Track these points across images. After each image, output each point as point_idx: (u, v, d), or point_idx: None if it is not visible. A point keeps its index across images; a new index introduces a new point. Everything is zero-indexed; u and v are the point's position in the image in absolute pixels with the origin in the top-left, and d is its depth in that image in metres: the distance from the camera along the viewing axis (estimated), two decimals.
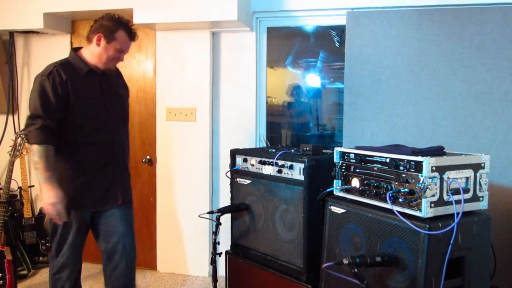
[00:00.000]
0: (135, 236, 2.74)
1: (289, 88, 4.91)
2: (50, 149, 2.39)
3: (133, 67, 3.92)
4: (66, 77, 2.44)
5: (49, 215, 2.42)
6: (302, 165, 2.56)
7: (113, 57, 2.56)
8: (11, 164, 3.68)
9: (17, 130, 4.03)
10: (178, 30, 3.63)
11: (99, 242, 2.69)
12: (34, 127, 2.37)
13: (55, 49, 4.07)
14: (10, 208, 3.74)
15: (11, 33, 4.05)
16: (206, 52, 3.63)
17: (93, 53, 2.54)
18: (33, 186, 4.09)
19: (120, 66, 3.93)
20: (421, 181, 1.90)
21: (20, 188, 3.90)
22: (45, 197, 2.36)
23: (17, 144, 3.71)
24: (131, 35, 2.61)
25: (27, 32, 4.05)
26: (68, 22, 4.02)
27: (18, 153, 3.69)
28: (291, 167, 2.62)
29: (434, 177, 1.90)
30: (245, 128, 3.70)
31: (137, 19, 3.45)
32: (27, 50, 4.16)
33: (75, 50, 2.60)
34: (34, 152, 2.37)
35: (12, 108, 4.13)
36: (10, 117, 4.12)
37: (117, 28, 2.54)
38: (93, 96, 2.55)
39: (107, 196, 2.61)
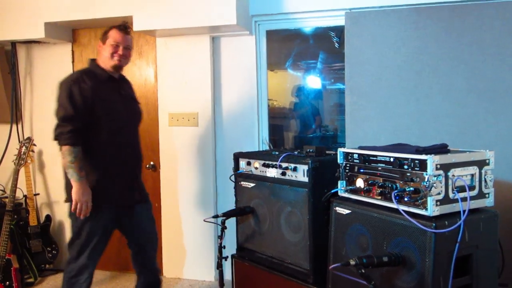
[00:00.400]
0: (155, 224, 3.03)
1: (292, 91, 4.93)
2: (80, 150, 2.59)
3: (134, 74, 3.94)
4: (91, 83, 2.65)
5: (79, 210, 2.59)
6: (306, 167, 2.55)
7: (112, 52, 2.73)
8: (16, 173, 3.69)
9: (21, 139, 4.04)
10: (178, 36, 3.64)
11: (128, 237, 2.93)
12: (65, 130, 2.55)
13: (56, 58, 4.09)
14: (15, 216, 3.75)
15: (13, 43, 4.08)
16: (206, 56, 3.64)
17: (101, 59, 2.77)
18: (38, 194, 4.11)
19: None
20: (426, 180, 1.90)
21: (25, 196, 3.91)
22: (79, 194, 2.57)
23: (22, 153, 3.73)
24: (122, 28, 2.77)
25: (29, 42, 4.07)
26: (69, 31, 4.04)
27: (22, 162, 3.71)
28: (295, 169, 2.62)
29: (439, 175, 1.90)
30: (247, 131, 3.71)
31: (137, 26, 3.47)
32: (29, 60, 4.18)
33: (93, 60, 2.82)
34: (68, 153, 2.55)
35: (15, 117, 4.14)
36: (14, 126, 4.13)
37: (109, 29, 2.78)
38: (114, 100, 2.76)
39: (130, 192, 2.82)
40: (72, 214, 2.68)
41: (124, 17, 3.56)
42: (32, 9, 3.77)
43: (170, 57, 3.71)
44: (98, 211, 2.66)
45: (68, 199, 2.68)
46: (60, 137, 2.57)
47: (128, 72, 3.90)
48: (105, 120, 2.68)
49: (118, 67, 2.79)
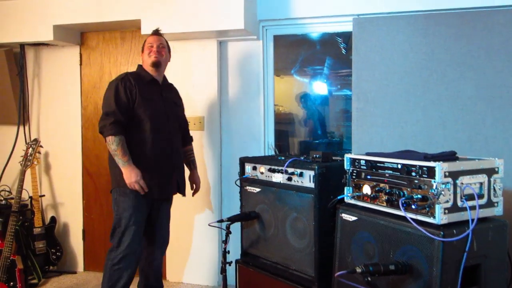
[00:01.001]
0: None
1: (297, 96, 4.91)
2: (124, 138, 2.81)
3: None
4: (135, 82, 2.90)
5: (136, 189, 2.80)
6: (312, 173, 2.54)
7: (148, 52, 3.00)
8: (23, 174, 3.70)
9: (27, 141, 4.05)
10: (186, 39, 3.64)
11: (146, 228, 3.02)
12: (108, 122, 2.79)
13: (64, 61, 4.11)
14: (21, 217, 3.75)
15: (22, 46, 4.09)
16: (213, 61, 3.63)
17: (144, 64, 3.05)
18: (43, 195, 4.11)
19: None
20: (434, 187, 1.88)
21: (30, 197, 3.91)
22: (128, 177, 2.78)
23: (28, 154, 3.74)
24: (154, 32, 3.11)
25: (38, 45, 4.08)
26: (77, 34, 4.06)
27: (29, 163, 3.72)
28: (301, 175, 2.61)
29: (448, 182, 1.88)
30: (253, 136, 3.70)
31: (144, 30, 3.48)
32: (37, 62, 4.19)
33: (141, 66, 3.09)
34: (111, 143, 2.78)
35: (23, 119, 4.15)
36: (21, 128, 4.14)
37: (146, 40, 3.09)
38: (155, 100, 2.97)
39: (169, 184, 3.01)
40: (114, 204, 2.91)
41: (132, 21, 3.59)
42: (41, 11, 3.79)
43: (177, 60, 3.70)
44: (138, 201, 2.85)
45: (113, 185, 2.92)
46: (103, 129, 2.81)
47: None
48: (145, 116, 2.88)
49: (156, 63, 2.98)
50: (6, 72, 4.04)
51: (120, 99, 2.84)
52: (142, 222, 2.92)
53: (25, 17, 3.85)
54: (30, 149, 3.75)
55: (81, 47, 4.09)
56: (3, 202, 4.03)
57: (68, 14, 3.72)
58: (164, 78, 3.15)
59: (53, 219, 4.02)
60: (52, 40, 3.82)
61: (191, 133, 3.68)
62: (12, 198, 3.84)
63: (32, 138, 4.04)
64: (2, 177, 4.17)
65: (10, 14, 3.89)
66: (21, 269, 3.54)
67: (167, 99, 3.08)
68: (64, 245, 4.07)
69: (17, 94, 4.12)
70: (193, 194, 3.32)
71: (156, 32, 3.11)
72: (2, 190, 4.12)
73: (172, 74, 3.72)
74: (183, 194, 3.16)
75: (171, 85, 3.25)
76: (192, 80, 3.68)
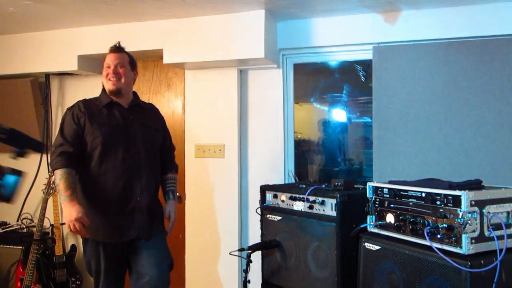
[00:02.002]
0: (167, 269, 2.79)
1: (319, 122, 4.92)
2: (70, 171, 2.56)
3: (163, 105, 4.00)
4: (84, 109, 2.67)
5: (73, 231, 2.48)
6: (334, 201, 2.52)
7: (105, 75, 2.74)
8: (45, 202, 3.74)
9: (50, 169, 4.11)
10: (207, 68, 3.70)
11: (130, 273, 2.77)
12: (55, 155, 2.59)
13: (88, 90, 4.17)
14: (42, 245, 3.78)
15: (47, 75, 4.20)
16: (233, 89, 3.67)
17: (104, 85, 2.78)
18: (64, 223, 4.13)
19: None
20: (460, 216, 1.85)
21: (52, 225, 3.94)
22: (67, 214, 2.48)
23: (51, 182, 3.78)
24: (112, 49, 2.79)
25: (62, 74, 4.19)
26: (101, 63, 4.10)
27: (51, 191, 3.76)
28: (322, 203, 2.59)
29: (474, 211, 1.85)
30: (273, 163, 3.69)
31: (166, 59, 3.55)
32: (62, 91, 4.30)
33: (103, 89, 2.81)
34: (56, 177, 2.56)
35: (46, 147, 4.22)
36: (44, 156, 4.21)
37: (104, 58, 2.80)
38: (111, 124, 2.67)
39: (127, 226, 2.66)
40: (83, 247, 2.72)
41: (154, 50, 3.67)
42: (66, 42, 3.90)
43: (198, 89, 3.76)
44: (94, 246, 2.64)
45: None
46: (51, 163, 2.63)
47: (157, 103, 3.97)
48: (94, 145, 2.62)
49: (115, 92, 2.71)
50: (31, 101, 4.14)
51: (66, 129, 2.63)
52: (109, 268, 2.66)
53: (51, 47, 3.97)
54: (53, 177, 3.81)
55: None
56: (25, 230, 4.07)
57: (92, 45, 3.82)
58: (135, 98, 2.85)
59: (74, 247, 4.03)
60: (76, 70, 3.92)
61: (212, 160, 3.69)
62: (33, 226, 3.88)
63: None
64: (24, 205, 4.22)
65: (36, 45, 4.02)
66: None
67: (131, 121, 2.73)
68: (84, 273, 4.07)
69: (41, 123, 4.20)
70: (169, 230, 2.85)
71: (115, 48, 2.78)
72: (24, 218, 4.17)
73: (193, 102, 3.78)
74: (146, 238, 2.70)
75: (143, 105, 2.89)
76: (213, 108, 3.72)
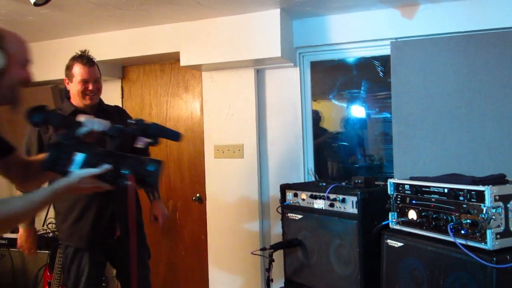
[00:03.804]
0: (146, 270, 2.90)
1: (341, 120, 4.89)
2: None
3: (181, 108, 4.03)
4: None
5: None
6: (355, 198, 2.51)
7: (82, 90, 2.64)
8: None
9: None
10: (223, 69, 3.71)
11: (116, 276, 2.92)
12: None
13: (107, 94, 4.19)
14: None
15: None
16: (251, 89, 3.68)
17: (72, 95, 2.71)
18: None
19: (168, 107, 4.07)
20: (484, 212, 1.82)
21: None
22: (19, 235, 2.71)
23: None
24: (85, 62, 2.66)
25: None
26: (119, 68, 4.21)
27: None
28: (343, 201, 2.58)
29: (498, 206, 1.82)
30: (292, 162, 3.69)
31: (183, 62, 3.57)
32: None
33: (67, 98, 2.76)
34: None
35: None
36: None
37: (72, 64, 2.68)
38: None
39: (102, 233, 2.66)
40: (63, 256, 2.74)
41: (171, 53, 3.70)
42: (84, 48, 3.94)
43: (216, 90, 3.78)
44: (74, 253, 2.65)
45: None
46: None
47: (175, 106, 4.02)
48: None
49: (91, 107, 2.71)
50: (52, 107, 4.21)
51: (31, 144, 2.63)
52: (90, 274, 2.66)
53: (70, 54, 4.00)
54: None
55: (122, 80, 4.24)
56: (50, 234, 4.15)
57: (109, 50, 3.87)
58: (100, 103, 2.82)
59: None
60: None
61: (231, 161, 3.70)
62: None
63: None
64: (49, 210, 4.30)
65: (55, 52, 4.08)
66: None
67: None
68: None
69: None
70: (161, 228, 2.89)
71: (89, 62, 2.68)
72: (50, 223, 4.24)
73: (211, 103, 3.80)
74: (124, 237, 2.72)
75: (109, 109, 2.87)
76: (230, 108, 3.73)
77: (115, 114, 2.88)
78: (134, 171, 1.66)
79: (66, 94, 2.79)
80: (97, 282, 2.78)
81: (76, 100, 2.69)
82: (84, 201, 2.63)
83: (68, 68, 2.70)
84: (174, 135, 1.91)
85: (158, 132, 1.84)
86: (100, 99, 2.84)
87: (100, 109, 2.79)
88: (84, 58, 2.69)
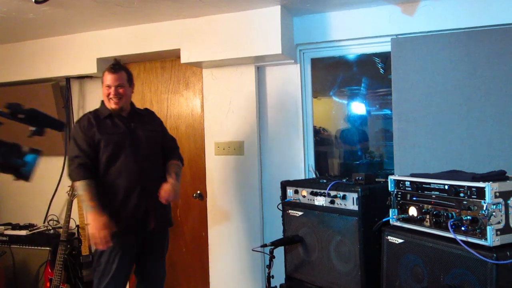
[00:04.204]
0: (164, 263, 3.07)
1: (338, 117, 4.89)
2: (91, 182, 2.74)
3: (182, 105, 4.03)
4: (94, 121, 2.86)
5: (94, 240, 2.66)
6: (355, 195, 2.52)
7: (106, 95, 2.89)
8: (70, 203, 3.81)
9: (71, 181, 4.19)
10: (224, 66, 3.71)
11: (137, 266, 2.97)
12: (73, 167, 2.77)
13: None
14: (68, 246, 3.85)
15: (67, 79, 4.28)
16: (251, 86, 3.68)
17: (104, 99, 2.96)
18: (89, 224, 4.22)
19: (169, 104, 4.07)
20: (484, 208, 1.83)
21: (77, 226, 4.02)
22: (92, 224, 2.67)
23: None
24: (110, 69, 2.90)
25: (82, 77, 4.26)
26: None
27: (76, 193, 3.84)
28: (344, 197, 2.59)
29: (499, 203, 1.83)
30: (293, 159, 3.70)
31: (184, 59, 3.57)
32: (82, 94, 4.37)
33: (102, 101, 2.98)
34: (78, 188, 2.75)
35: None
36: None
37: (104, 72, 2.94)
38: (117, 133, 2.87)
39: (138, 221, 2.84)
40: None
41: (171, 50, 3.70)
42: (85, 46, 3.96)
43: (216, 87, 3.78)
44: (112, 239, 2.71)
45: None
46: (71, 174, 2.80)
47: (175, 103, 4.03)
48: (108, 153, 2.81)
49: (117, 110, 2.91)
50: (53, 105, 4.22)
51: (78, 141, 2.81)
52: (122, 261, 2.81)
53: (70, 52, 4.04)
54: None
55: None
56: (52, 231, 4.16)
57: (111, 47, 3.88)
58: (132, 107, 3.05)
59: None
60: (95, 73, 3.98)
61: (231, 157, 3.71)
62: (60, 227, 3.96)
63: None
64: (50, 207, 4.31)
65: (56, 50, 4.09)
66: None
67: (133, 129, 2.94)
68: None
69: None
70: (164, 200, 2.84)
71: (113, 69, 2.90)
72: (51, 220, 4.26)
73: (211, 100, 3.80)
74: (158, 230, 2.95)
75: (140, 112, 3.10)
76: (231, 105, 3.73)
77: (146, 116, 3.11)
78: (3, 160, 1.61)
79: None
80: (126, 273, 2.90)
81: (106, 102, 2.93)
82: (122, 194, 2.81)
83: (102, 74, 2.95)
84: (55, 124, 1.87)
85: (35, 118, 1.79)
86: (132, 103, 3.05)
87: (132, 112, 3.01)
88: (111, 65, 2.93)
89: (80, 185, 2.73)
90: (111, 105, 2.89)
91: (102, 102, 2.97)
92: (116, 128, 2.90)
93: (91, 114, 2.94)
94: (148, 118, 3.12)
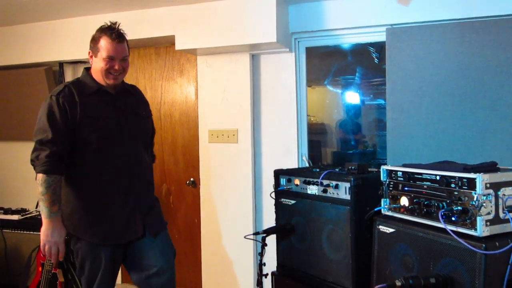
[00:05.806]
0: (172, 258, 2.68)
1: (332, 106, 4.90)
2: (58, 179, 2.22)
3: (176, 92, 4.02)
4: (77, 96, 2.28)
5: (47, 255, 2.24)
6: (348, 184, 2.53)
7: (106, 68, 2.33)
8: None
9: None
10: (219, 54, 3.70)
11: (131, 275, 2.55)
12: (43, 154, 2.18)
13: None
14: None
15: (61, 64, 4.24)
16: (246, 74, 3.67)
17: (94, 70, 2.39)
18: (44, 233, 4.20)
19: (163, 91, 4.05)
20: (475, 199, 1.85)
21: None
22: (47, 234, 2.21)
23: None
24: (115, 37, 2.32)
25: (75, 62, 4.23)
26: None
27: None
28: (336, 187, 2.60)
29: (489, 194, 1.84)
30: (286, 148, 3.70)
31: (178, 46, 3.55)
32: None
33: (87, 69, 2.44)
34: (40, 183, 2.17)
35: None
36: None
37: (99, 36, 2.34)
38: (104, 116, 2.34)
39: (127, 226, 2.39)
40: (74, 250, 2.39)
41: (166, 37, 3.67)
42: (78, 31, 3.92)
43: (211, 74, 3.77)
44: (95, 247, 2.34)
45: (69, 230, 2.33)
46: (35, 162, 2.21)
47: (169, 90, 4.01)
48: (91, 139, 2.28)
49: (113, 86, 2.41)
50: (46, 90, 4.19)
51: (56, 121, 2.21)
52: (106, 270, 2.37)
53: (63, 36, 4.00)
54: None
55: None
56: None
57: None
58: (122, 83, 2.51)
59: None
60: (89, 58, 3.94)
61: (225, 145, 3.71)
62: None
63: None
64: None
65: (49, 34, 4.05)
66: (62, 282, 3.62)
67: (124, 112, 2.42)
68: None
69: None
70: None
71: (119, 37, 2.33)
72: None
73: (206, 87, 3.79)
74: (152, 235, 2.47)
75: (129, 89, 2.57)
76: (225, 93, 3.73)
77: (136, 95, 2.63)
78: None
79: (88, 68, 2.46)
80: (113, 277, 2.46)
81: (98, 76, 2.36)
82: (102, 193, 2.35)
83: (94, 40, 2.35)
84: None
85: None
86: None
87: (122, 88, 2.50)
88: (114, 31, 2.33)
89: (45, 180, 2.16)
90: (109, 80, 2.34)
91: (87, 72, 2.41)
92: (103, 110, 2.35)
93: (74, 87, 2.30)
94: (138, 99, 2.62)
